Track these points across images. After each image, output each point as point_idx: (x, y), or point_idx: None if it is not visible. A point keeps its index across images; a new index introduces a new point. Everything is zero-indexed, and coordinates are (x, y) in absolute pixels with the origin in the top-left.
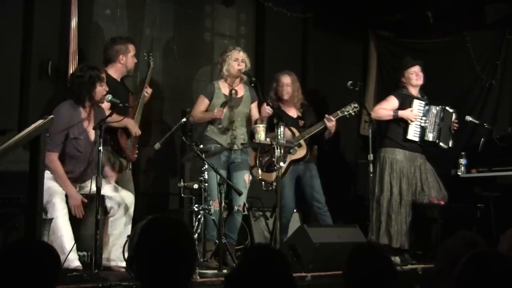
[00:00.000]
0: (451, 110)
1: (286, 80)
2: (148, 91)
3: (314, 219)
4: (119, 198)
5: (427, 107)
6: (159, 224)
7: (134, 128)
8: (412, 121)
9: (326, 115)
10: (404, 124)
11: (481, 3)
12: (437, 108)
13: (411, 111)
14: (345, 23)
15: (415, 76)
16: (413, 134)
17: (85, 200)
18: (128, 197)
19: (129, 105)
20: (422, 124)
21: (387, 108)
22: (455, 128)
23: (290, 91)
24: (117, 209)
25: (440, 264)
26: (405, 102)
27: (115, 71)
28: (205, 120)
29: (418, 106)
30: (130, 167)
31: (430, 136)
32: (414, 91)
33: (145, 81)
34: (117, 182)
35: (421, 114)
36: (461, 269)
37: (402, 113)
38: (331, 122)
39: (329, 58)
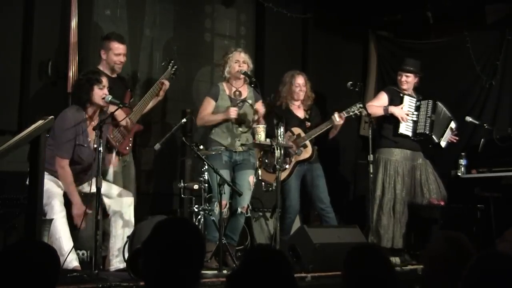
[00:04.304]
0: (441, 105)
1: (301, 80)
2: (164, 87)
3: (317, 219)
4: (118, 198)
5: (418, 103)
6: (176, 226)
7: (121, 117)
8: (403, 119)
9: (337, 113)
10: (395, 120)
11: (481, 3)
12: (428, 102)
13: (402, 108)
14: (345, 24)
15: (399, 82)
16: (405, 128)
17: (89, 211)
18: (127, 197)
19: (128, 104)
20: (414, 119)
21: (376, 104)
22: (455, 141)
23: (304, 91)
24: (116, 209)
25: (426, 265)
26: (396, 98)
27: (104, 68)
28: (215, 122)
29: (409, 102)
30: (124, 158)
31: (422, 128)
32: (406, 90)
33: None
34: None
35: (413, 110)
36: (469, 270)
37: (393, 110)
38: (341, 121)
39: (329, 58)
